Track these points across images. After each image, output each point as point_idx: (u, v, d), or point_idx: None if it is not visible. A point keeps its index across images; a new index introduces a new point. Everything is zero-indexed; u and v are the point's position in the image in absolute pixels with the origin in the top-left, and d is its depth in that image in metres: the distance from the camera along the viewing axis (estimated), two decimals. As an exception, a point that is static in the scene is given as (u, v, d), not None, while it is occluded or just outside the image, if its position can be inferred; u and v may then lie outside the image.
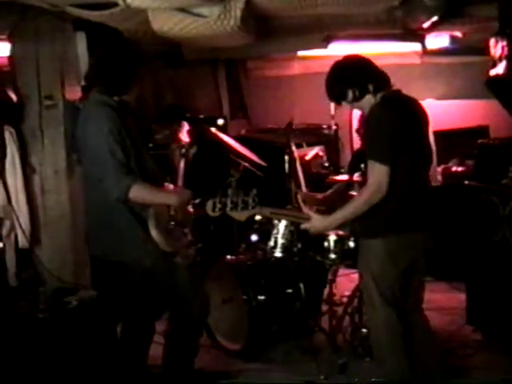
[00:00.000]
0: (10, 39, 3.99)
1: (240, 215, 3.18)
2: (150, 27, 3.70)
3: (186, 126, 3.86)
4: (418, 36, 5.20)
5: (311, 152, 5.76)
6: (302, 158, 5.24)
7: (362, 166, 3.47)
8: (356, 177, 4.35)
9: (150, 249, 3.27)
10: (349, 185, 4.48)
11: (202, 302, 3.54)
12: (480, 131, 5.68)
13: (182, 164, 3.79)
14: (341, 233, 3.86)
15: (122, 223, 3.28)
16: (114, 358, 3.57)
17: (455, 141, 5.76)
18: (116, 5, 3.35)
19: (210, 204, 3.15)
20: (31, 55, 3.97)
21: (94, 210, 3.42)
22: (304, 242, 4.02)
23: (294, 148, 4.69)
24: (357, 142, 5.60)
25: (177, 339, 3.55)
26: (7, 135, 3.93)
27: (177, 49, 5.25)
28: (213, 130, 4.79)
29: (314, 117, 6.09)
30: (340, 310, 4.14)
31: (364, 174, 3.29)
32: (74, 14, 3.64)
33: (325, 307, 4.23)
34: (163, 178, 3.55)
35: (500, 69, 4.23)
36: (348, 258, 3.89)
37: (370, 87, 3.17)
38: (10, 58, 4.05)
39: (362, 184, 3.33)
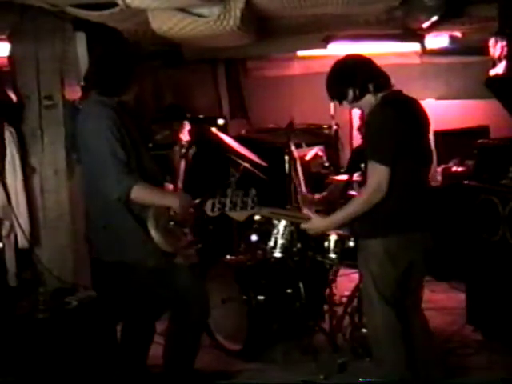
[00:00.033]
0: (9, 39, 3.99)
1: (239, 215, 3.18)
2: (149, 27, 3.69)
3: (187, 126, 3.85)
4: (417, 36, 5.21)
5: (311, 152, 5.75)
6: (301, 158, 5.23)
7: (362, 165, 3.46)
8: (356, 176, 4.35)
9: (150, 249, 3.26)
10: (347, 184, 4.49)
11: (203, 302, 3.54)
12: (480, 131, 5.67)
13: (182, 164, 3.78)
14: (341, 233, 3.86)
15: (122, 223, 3.28)
16: (114, 358, 3.57)
17: (455, 141, 5.75)
18: (115, 5, 3.35)
19: (208, 204, 3.15)
20: (31, 55, 3.96)
21: (93, 210, 3.42)
22: (304, 242, 4.02)
23: (293, 148, 4.69)
24: (357, 142, 5.59)
25: (178, 339, 3.54)
26: (7, 135, 3.93)
27: (176, 49, 5.26)
28: (213, 129, 4.79)
29: (314, 117, 6.08)
30: (340, 309, 4.15)
31: (364, 174, 3.29)
32: (74, 14, 3.64)
33: (325, 307, 4.23)
34: (163, 178, 3.54)
35: (500, 69, 4.23)
36: (348, 258, 3.89)
37: (371, 87, 3.17)
38: (10, 58, 4.04)
39: (362, 184, 3.33)
